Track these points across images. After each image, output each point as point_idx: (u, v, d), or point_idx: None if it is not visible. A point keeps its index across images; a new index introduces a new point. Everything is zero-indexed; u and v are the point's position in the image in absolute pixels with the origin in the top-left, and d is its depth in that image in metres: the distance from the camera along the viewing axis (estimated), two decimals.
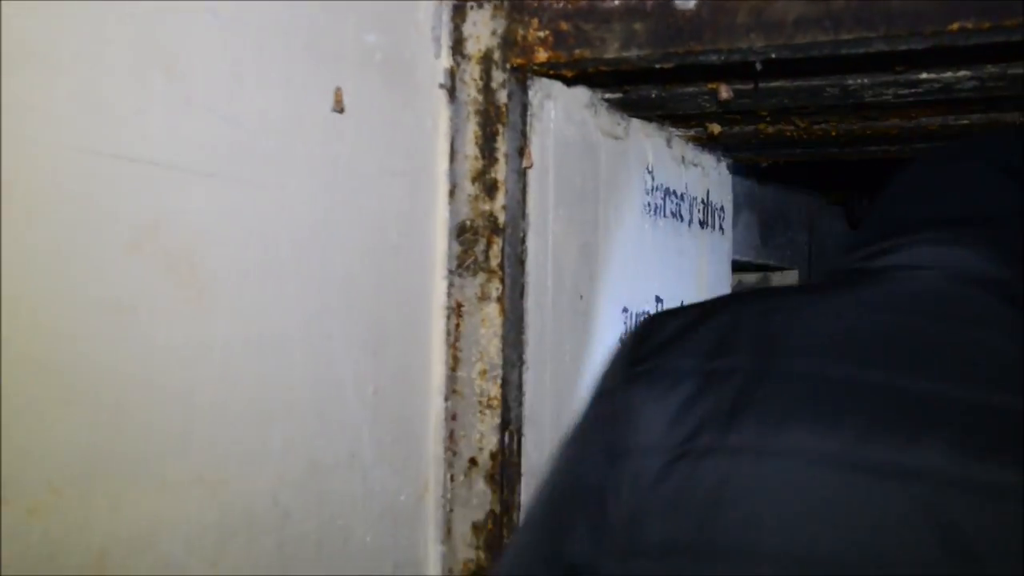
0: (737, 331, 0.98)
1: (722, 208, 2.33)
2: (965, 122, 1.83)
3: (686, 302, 2.11)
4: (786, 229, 3.20)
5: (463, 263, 1.53)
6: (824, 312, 0.98)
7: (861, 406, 0.90)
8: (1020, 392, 0.87)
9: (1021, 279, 0.97)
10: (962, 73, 1.53)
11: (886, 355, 0.93)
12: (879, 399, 0.90)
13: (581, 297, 1.72)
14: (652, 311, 1.99)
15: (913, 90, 1.61)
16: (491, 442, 1.50)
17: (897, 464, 0.88)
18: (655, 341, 1.01)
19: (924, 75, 1.55)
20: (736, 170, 2.68)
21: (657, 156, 1.99)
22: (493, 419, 1.50)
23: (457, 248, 1.53)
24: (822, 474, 0.89)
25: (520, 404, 1.55)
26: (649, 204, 1.97)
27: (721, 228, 2.33)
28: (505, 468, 1.51)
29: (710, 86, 1.64)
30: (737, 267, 3.02)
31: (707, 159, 2.24)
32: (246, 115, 1.19)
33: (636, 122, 1.90)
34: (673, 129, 2.02)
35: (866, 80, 1.58)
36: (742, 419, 0.92)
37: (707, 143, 2.16)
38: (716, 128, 1.95)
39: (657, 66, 1.41)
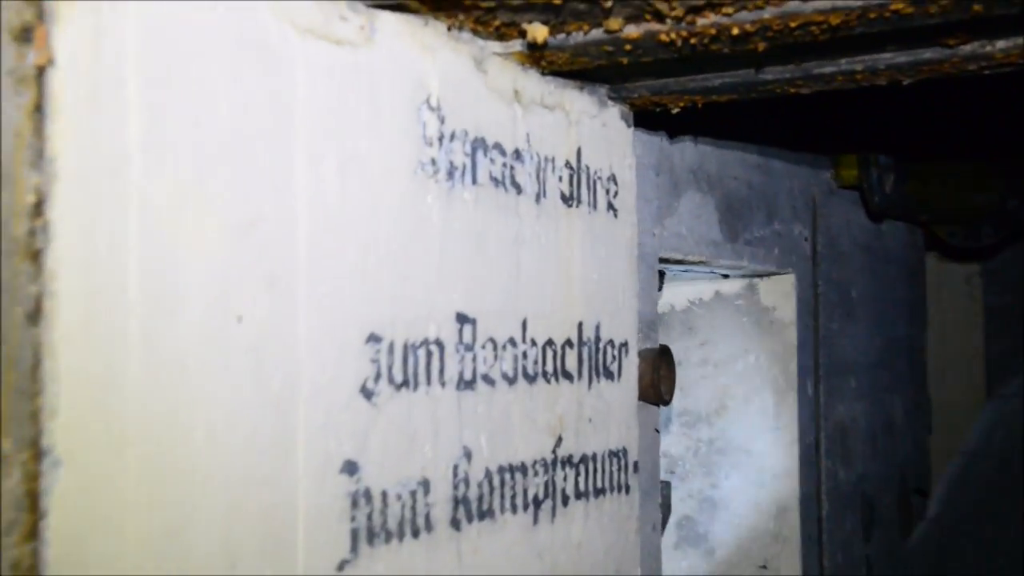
0: None
1: (612, 177, 1.53)
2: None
3: (532, 318, 1.33)
4: (770, 219, 2.38)
5: None
6: None
7: None
8: None
9: None
10: None
11: None
12: None
13: (240, 320, 0.95)
14: (447, 337, 1.20)
15: None
16: None
17: None
18: None
19: None
20: (666, 131, 1.88)
21: (451, 84, 1.21)
22: None
23: None
24: None
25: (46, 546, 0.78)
26: (434, 161, 1.19)
27: (611, 207, 1.53)
28: None
29: None
30: (679, 269, 2.22)
31: (576, 100, 1.45)
32: None
33: (391, 20, 1.12)
34: (480, 39, 1.24)
35: None
36: None
37: (571, 72, 1.37)
38: (539, 32, 1.16)
39: None
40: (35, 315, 0.78)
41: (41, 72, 0.79)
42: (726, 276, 2.54)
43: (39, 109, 0.79)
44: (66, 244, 0.80)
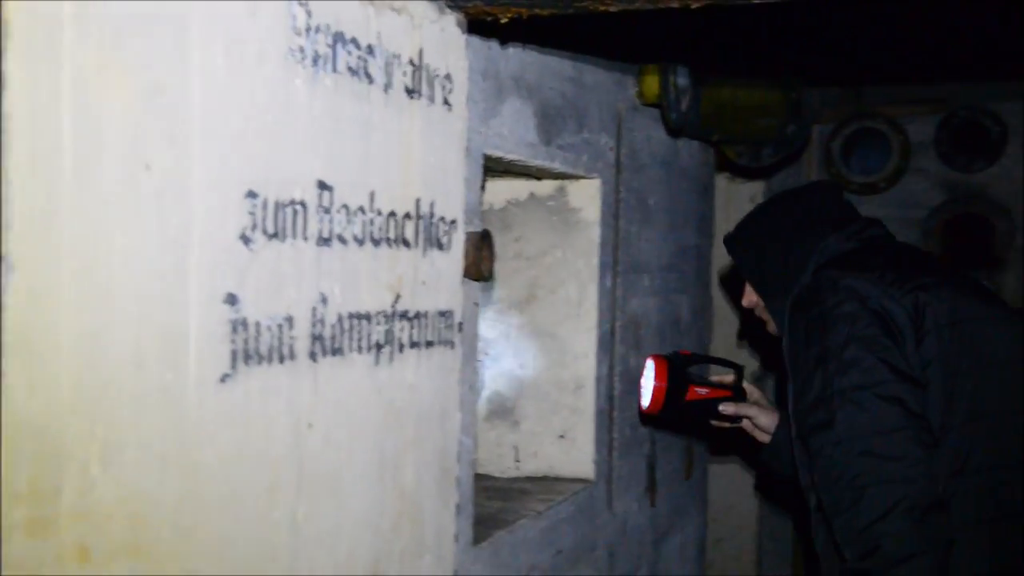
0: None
1: (448, 76, 1.78)
2: None
3: (379, 192, 1.56)
4: (580, 128, 2.67)
5: None
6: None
7: None
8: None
9: None
10: None
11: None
12: None
13: (148, 168, 1.15)
14: (309, 199, 1.43)
15: None
16: None
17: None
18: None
19: None
20: (495, 39, 2.13)
21: None
22: None
23: None
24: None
25: None
26: (302, 49, 1.40)
27: (447, 102, 1.78)
28: None
29: None
30: (503, 169, 2.49)
31: (419, 6, 1.68)
32: None
33: None
34: None
35: None
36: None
37: None
38: None
39: None
40: None
41: None
42: (525, 175, 2.81)
43: None
44: (16, 92, 0.99)
